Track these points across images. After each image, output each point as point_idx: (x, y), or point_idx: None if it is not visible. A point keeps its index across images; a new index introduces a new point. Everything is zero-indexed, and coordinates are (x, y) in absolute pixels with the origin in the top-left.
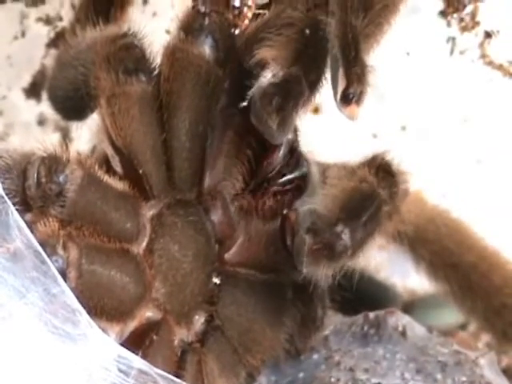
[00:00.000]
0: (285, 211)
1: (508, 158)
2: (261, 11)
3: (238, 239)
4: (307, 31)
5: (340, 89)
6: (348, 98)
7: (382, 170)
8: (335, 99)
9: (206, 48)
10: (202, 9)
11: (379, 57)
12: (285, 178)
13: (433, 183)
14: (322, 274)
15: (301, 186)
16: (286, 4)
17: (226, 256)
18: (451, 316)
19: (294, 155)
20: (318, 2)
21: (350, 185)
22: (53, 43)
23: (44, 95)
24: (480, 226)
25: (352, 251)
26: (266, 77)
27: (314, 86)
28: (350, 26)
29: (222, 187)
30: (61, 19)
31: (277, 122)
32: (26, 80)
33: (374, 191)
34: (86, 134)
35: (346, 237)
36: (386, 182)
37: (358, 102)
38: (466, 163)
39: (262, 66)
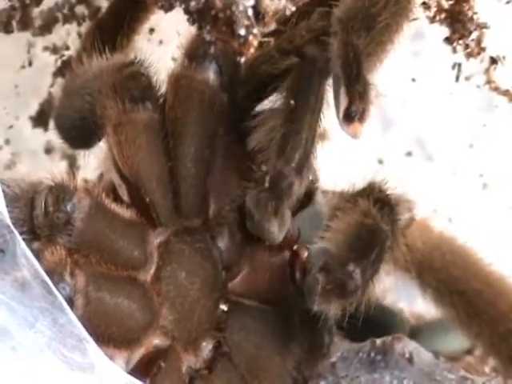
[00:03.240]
0: (295, 247)
1: None
2: (266, 39)
3: (244, 269)
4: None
5: (342, 107)
6: (350, 116)
7: (381, 201)
8: (338, 118)
9: (211, 74)
10: (208, 37)
11: (385, 83)
12: None
13: (439, 208)
14: (332, 311)
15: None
16: (288, 35)
17: (230, 285)
18: (458, 341)
19: None
20: (319, 32)
21: (354, 219)
22: (60, 72)
23: (51, 124)
24: (486, 252)
25: (362, 290)
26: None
27: (301, 171)
28: (351, 44)
29: (227, 213)
30: (67, 48)
31: (277, 225)
32: (34, 109)
33: (378, 227)
34: (93, 162)
35: (357, 276)
36: (387, 215)
37: (361, 120)
38: (472, 188)
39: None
